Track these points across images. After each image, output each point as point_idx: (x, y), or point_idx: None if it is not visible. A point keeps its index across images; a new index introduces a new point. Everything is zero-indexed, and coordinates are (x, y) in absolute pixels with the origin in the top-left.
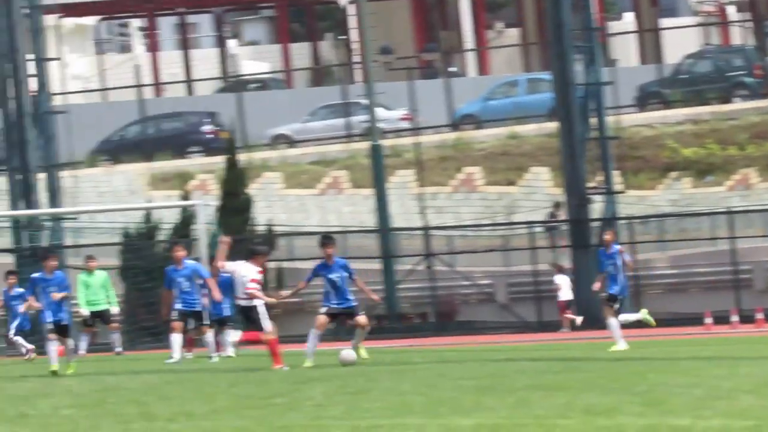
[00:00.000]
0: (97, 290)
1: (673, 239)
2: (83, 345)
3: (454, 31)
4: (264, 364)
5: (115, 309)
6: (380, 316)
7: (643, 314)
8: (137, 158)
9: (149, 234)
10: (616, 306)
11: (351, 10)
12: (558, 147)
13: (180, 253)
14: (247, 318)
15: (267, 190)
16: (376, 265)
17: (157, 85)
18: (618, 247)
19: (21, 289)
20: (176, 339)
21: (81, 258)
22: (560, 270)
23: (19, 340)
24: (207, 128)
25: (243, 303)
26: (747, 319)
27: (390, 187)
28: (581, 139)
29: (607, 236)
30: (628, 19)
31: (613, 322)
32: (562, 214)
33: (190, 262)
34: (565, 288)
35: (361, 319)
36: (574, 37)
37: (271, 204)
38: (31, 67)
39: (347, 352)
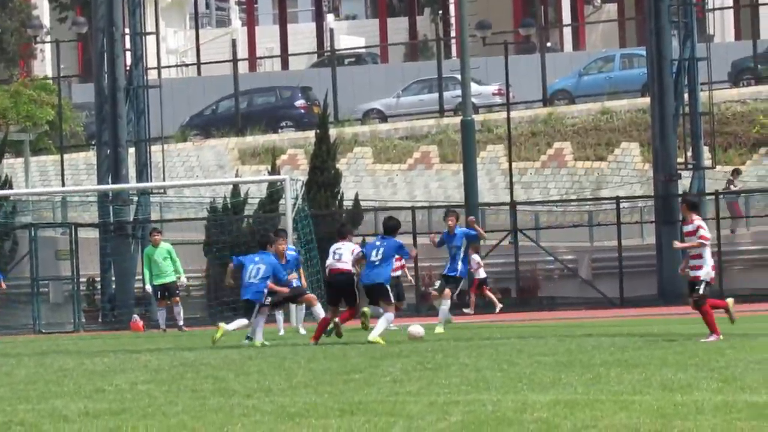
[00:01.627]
0: (161, 263)
1: (758, 215)
2: (161, 320)
3: (551, 7)
4: (351, 338)
5: (183, 279)
6: (462, 290)
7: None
8: (228, 133)
9: (236, 209)
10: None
11: None
12: (649, 122)
13: (282, 246)
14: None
15: (356, 165)
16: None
17: (252, 60)
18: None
19: None
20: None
21: (167, 233)
22: (475, 250)
23: None
24: (299, 103)
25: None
26: None
27: (479, 162)
28: (673, 114)
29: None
30: None
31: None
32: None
33: (291, 253)
34: (480, 267)
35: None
36: (671, 12)
37: (360, 179)
38: (128, 42)
39: (415, 327)
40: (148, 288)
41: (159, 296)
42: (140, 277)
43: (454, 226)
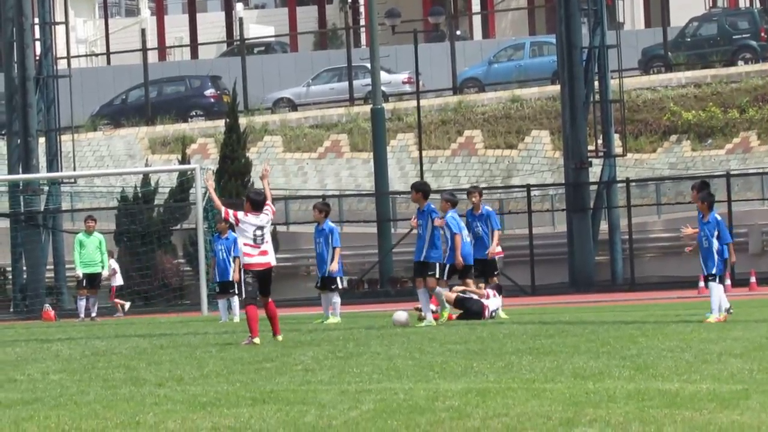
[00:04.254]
0: (92, 252)
1: (669, 202)
2: (81, 309)
3: None
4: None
5: (105, 273)
6: (372, 280)
7: None
8: (138, 122)
9: (146, 198)
10: None
11: None
12: (559, 110)
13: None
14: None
15: (266, 154)
16: (372, 229)
17: (162, 49)
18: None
19: None
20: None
21: (77, 222)
22: (111, 255)
23: None
24: (209, 92)
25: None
26: (741, 282)
27: (390, 150)
28: (583, 102)
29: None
30: None
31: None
32: None
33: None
34: (119, 273)
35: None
36: None
37: (270, 167)
38: (37, 31)
39: (400, 313)
40: (80, 273)
41: (83, 285)
42: (51, 267)
43: (479, 203)
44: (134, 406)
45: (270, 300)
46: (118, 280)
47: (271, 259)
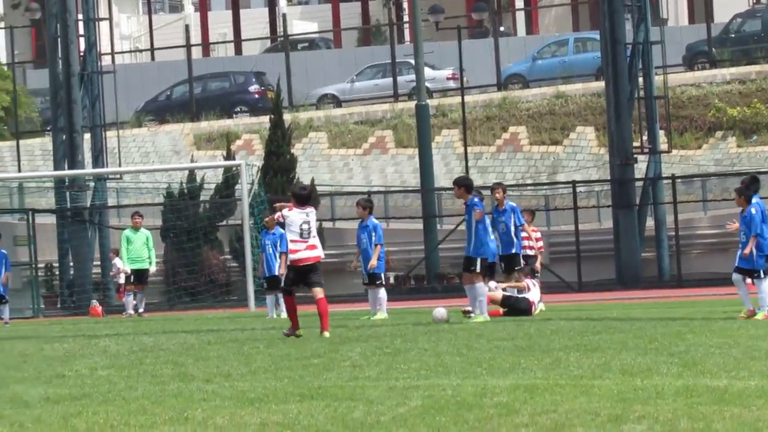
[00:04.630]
0: (139, 248)
1: (714, 199)
2: (129, 305)
3: None
4: (309, 324)
5: (152, 269)
6: (419, 276)
7: None
8: (183, 118)
9: (192, 194)
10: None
11: None
12: (604, 106)
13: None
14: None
15: (311, 150)
16: (418, 225)
17: (206, 45)
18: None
19: None
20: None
21: (123, 218)
22: (116, 253)
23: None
24: (253, 88)
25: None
26: None
27: (435, 146)
28: (627, 98)
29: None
30: None
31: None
32: None
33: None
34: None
35: None
36: None
37: (315, 164)
38: (81, 28)
39: (439, 309)
40: (127, 269)
41: (130, 280)
42: (98, 263)
43: (503, 199)
44: (182, 402)
45: (322, 297)
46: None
47: (319, 252)
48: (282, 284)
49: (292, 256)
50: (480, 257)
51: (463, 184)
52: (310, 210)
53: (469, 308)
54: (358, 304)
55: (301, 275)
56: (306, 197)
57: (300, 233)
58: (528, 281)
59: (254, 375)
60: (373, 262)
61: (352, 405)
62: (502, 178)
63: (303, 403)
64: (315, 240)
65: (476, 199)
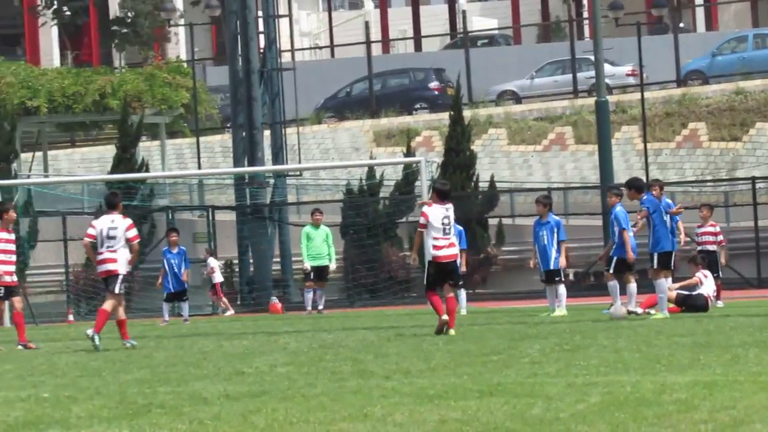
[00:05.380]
0: (319, 244)
1: None
2: (308, 302)
3: None
4: (489, 319)
5: (332, 266)
6: (598, 273)
7: None
8: (362, 115)
9: (371, 191)
10: None
11: None
12: None
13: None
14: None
15: (491, 147)
16: (597, 221)
17: (385, 42)
18: None
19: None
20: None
21: (303, 215)
22: (211, 253)
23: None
24: (433, 85)
25: None
26: None
27: (614, 143)
28: None
29: None
30: None
31: None
32: None
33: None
34: (218, 270)
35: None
36: None
37: (495, 160)
38: (261, 25)
39: (618, 306)
40: (307, 265)
41: (310, 277)
42: (277, 259)
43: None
44: (361, 399)
45: (453, 295)
46: (219, 278)
47: (457, 250)
48: (425, 282)
49: (434, 252)
50: (656, 252)
51: (633, 186)
52: (449, 206)
53: (632, 308)
54: (536, 301)
55: (443, 274)
56: (447, 192)
57: (442, 229)
58: (699, 274)
59: (433, 372)
60: (562, 260)
61: (531, 401)
62: (682, 174)
63: (482, 399)
64: (454, 238)
65: (645, 197)
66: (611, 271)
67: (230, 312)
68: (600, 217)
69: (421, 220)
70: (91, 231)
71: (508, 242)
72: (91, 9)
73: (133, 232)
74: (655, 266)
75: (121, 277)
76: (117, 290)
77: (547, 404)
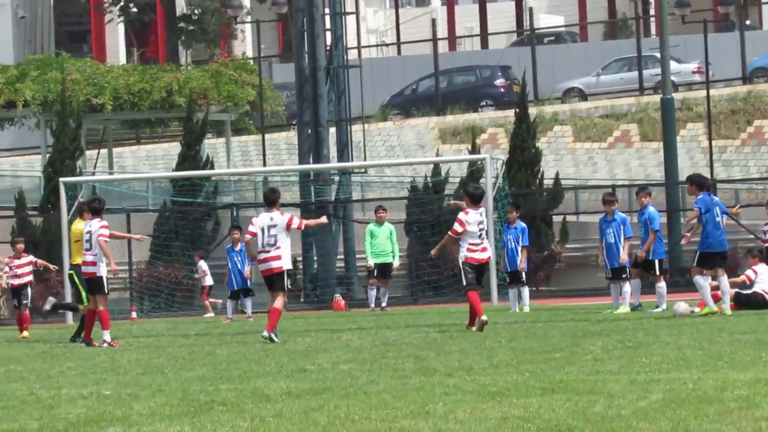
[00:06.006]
0: (383, 242)
1: None
2: (372, 299)
3: None
4: (552, 317)
5: (396, 263)
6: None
7: None
8: (428, 112)
9: (436, 188)
10: None
11: None
12: None
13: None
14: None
15: (556, 144)
16: (662, 218)
17: (452, 39)
18: None
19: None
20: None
21: (367, 212)
22: (201, 256)
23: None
24: (499, 82)
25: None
26: None
27: (679, 140)
28: None
29: None
30: None
31: None
32: None
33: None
34: (209, 274)
35: None
36: None
37: (560, 157)
38: (327, 22)
39: (680, 304)
40: (371, 263)
41: (374, 274)
42: (341, 256)
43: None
44: (424, 396)
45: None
46: (209, 281)
47: (491, 253)
48: (464, 282)
49: (468, 254)
50: (699, 251)
51: (694, 182)
52: (482, 209)
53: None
54: (600, 299)
55: (479, 273)
56: (480, 196)
57: (478, 234)
58: (749, 271)
59: (496, 369)
60: (623, 256)
61: (593, 399)
62: (746, 171)
63: (544, 396)
64: (486, 242)
65: (700, 196)
66: (695, 264)
67: (209, 314)
68: (664, 214)
69: (457, 227)
70: (251, 228)
71: (571, 239)
72: (158, 6)
73: (296, 222)
74: (695, 264)
75: (286, 272)
76: (285, 287)
77: (608, 401)
